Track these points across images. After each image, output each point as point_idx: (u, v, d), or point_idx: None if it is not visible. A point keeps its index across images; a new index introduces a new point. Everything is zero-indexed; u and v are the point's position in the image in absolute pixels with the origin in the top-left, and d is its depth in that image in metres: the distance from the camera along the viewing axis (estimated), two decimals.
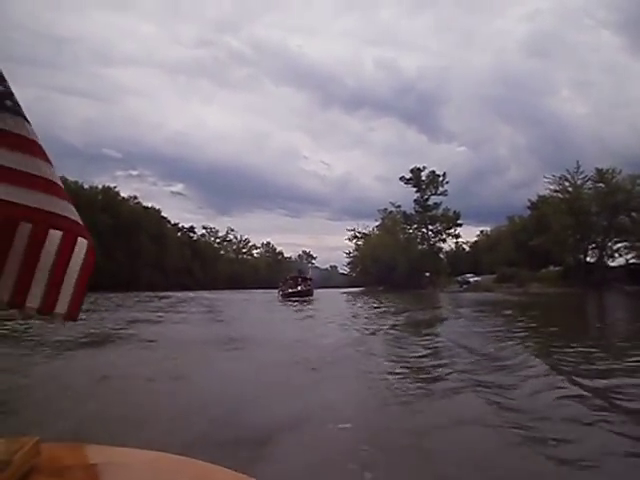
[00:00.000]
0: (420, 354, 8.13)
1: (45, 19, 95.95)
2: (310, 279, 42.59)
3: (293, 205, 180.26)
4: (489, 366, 6.90)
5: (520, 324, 12.62)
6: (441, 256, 64.78)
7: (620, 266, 43.52)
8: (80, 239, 0.96)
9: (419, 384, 5.85)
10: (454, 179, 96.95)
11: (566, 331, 11.18)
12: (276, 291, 40.71)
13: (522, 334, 10.13)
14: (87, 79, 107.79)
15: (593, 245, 44.95)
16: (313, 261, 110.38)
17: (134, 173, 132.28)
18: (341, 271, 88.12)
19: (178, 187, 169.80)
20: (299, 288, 37.62)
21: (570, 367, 6.40)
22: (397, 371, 6.68)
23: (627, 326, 13.55)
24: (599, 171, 42.56)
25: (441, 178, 59.35)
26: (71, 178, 52.10)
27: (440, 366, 6.96)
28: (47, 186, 0.90)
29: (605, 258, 44.67)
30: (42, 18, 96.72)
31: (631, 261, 43.09)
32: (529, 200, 51.01)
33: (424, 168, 60.35)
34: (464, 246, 73.48)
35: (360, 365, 7.11)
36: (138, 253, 58.31)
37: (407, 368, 6.94)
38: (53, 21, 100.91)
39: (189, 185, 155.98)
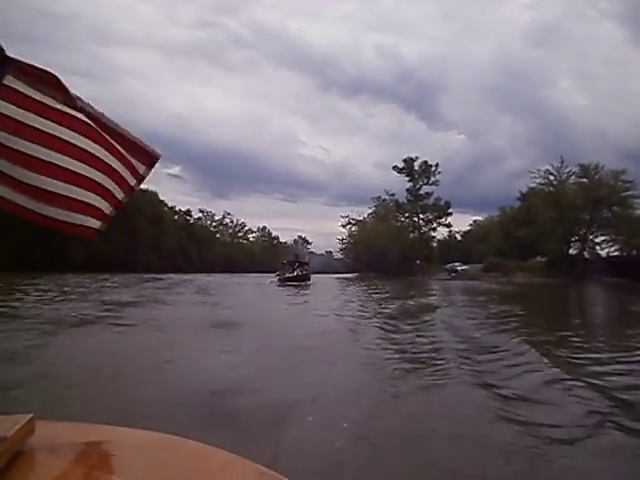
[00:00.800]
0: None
1: None
2: (307, 264, 41.83)
3: (290, 190, 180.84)
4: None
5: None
6: (434, 244, 66.25)
7: (602, 258, 44.95)
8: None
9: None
10: (453, 167, 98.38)
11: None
12: (271, 275, 40.80)
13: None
14: (85, 58, 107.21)
15: (576, 238, 46.22)
16: (309, 246, 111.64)
17: None
18: (336, 257, 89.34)
19: (175, 169, 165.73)
20: (296, 273, 37.31)
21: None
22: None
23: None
24: (582, 166, 43.82)
25: (433, 168, 60.52)
26: None
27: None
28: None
29: (587, 250, 46.09)
30: None
31: (612, 254, 44.55)
32: (519, 192, 51.85)
33: (417, 158, 61.47)
34: (457, 235, 75.34)
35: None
36: (135, 235, 59.19)
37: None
38: None
39: (186, 168, 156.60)
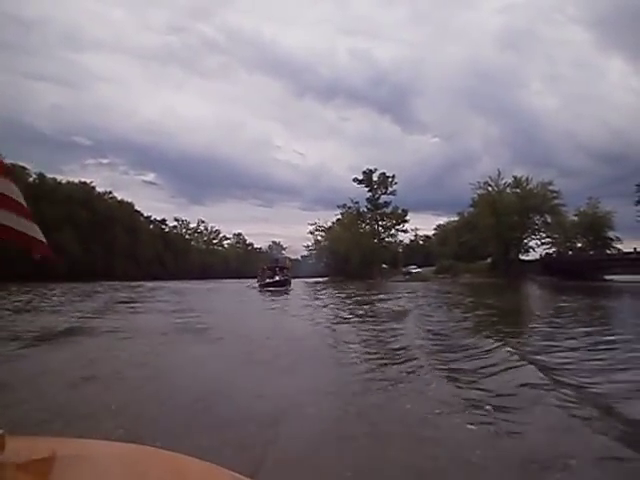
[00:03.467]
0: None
1: (12, 0, 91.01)
2: (287, 268, 42.11)
3: (266, 195, 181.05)
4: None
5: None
6: (400, 249, 71.13)
7: (537, 259, 50.45)
8: None
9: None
10: (427, 170, 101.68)
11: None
12: (246, 281, 41.40)
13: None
14: (56, 64, 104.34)
15: (513, 241, 51.42)
16: (283, 251, 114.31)
17: (105, 161, 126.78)
18: (310, 262, 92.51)
19: (150, 176, 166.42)
20: (277, 278, 37.30)
21: None
22: None
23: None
24: (515, 178, 49.40)
25: (390, 179, 65.48)
26: (42, 169, 57.97)
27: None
28: None
29: (522, 253, 51.61)
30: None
31: (543, 254, 50.37)
32: (472, 198, 54.68)
33: (375, 170, 66.37)
34: (419, 240, 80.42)
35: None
36: (113, 245, 62.22)
37: None
38: (20, 2, 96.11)
39: (161, 174, 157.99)
